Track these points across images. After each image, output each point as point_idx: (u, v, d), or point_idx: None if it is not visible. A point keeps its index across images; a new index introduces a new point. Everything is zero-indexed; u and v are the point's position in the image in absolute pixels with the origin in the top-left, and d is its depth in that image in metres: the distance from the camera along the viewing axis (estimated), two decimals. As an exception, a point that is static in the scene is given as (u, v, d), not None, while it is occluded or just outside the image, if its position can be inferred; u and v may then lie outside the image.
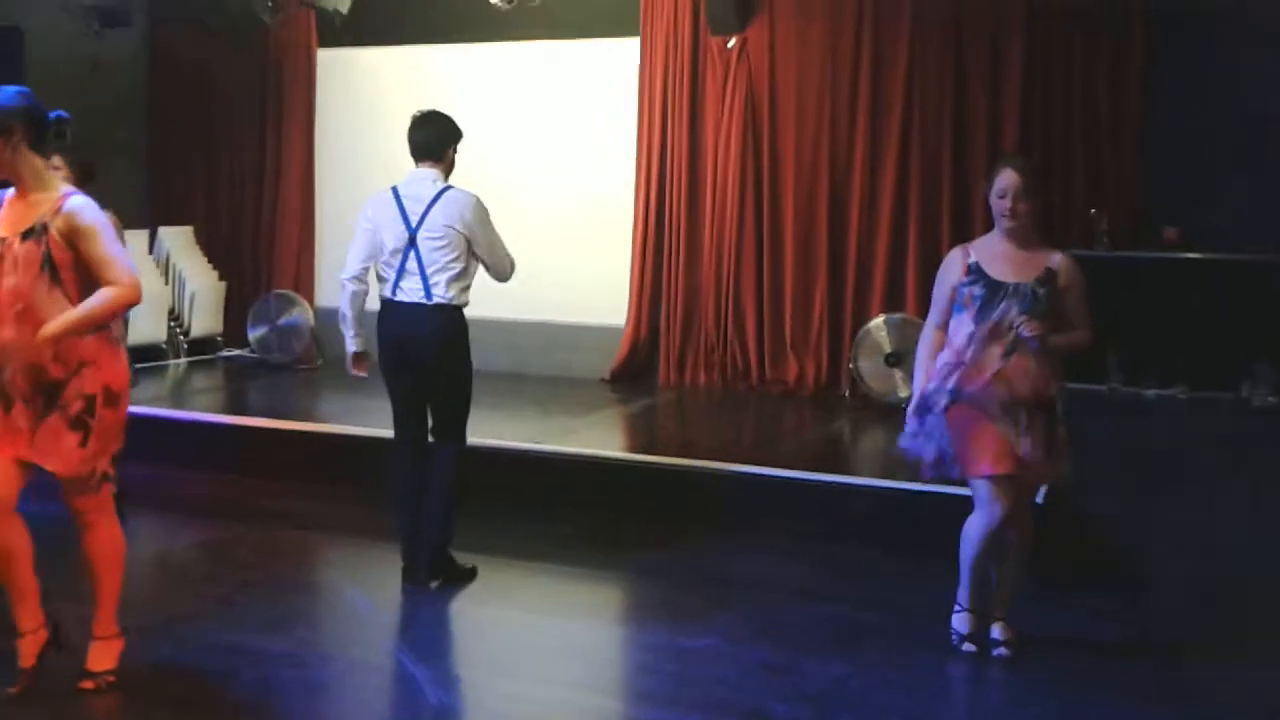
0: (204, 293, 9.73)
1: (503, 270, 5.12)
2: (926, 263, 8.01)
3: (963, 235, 7.92)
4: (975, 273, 4.10)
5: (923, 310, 7.76)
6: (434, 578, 4.86)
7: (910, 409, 4.23)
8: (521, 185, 9.09)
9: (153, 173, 10.42)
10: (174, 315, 9.58)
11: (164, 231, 9.76)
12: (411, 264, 4.84)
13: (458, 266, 4.89)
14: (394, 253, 4.86)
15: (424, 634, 4.52)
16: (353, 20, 9.07)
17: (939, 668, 4.18)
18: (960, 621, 4.24)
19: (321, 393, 8.66)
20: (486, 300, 8.95)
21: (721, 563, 5.31)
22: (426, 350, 4.83)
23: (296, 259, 10.00)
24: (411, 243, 4.86)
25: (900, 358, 7.61)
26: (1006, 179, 4.11)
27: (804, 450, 6.74)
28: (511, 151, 9.17)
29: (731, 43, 8.45)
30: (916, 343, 7.39)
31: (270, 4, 9.15)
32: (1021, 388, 4.00)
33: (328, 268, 10.01)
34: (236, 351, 9.79)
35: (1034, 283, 4.03)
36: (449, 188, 5.02)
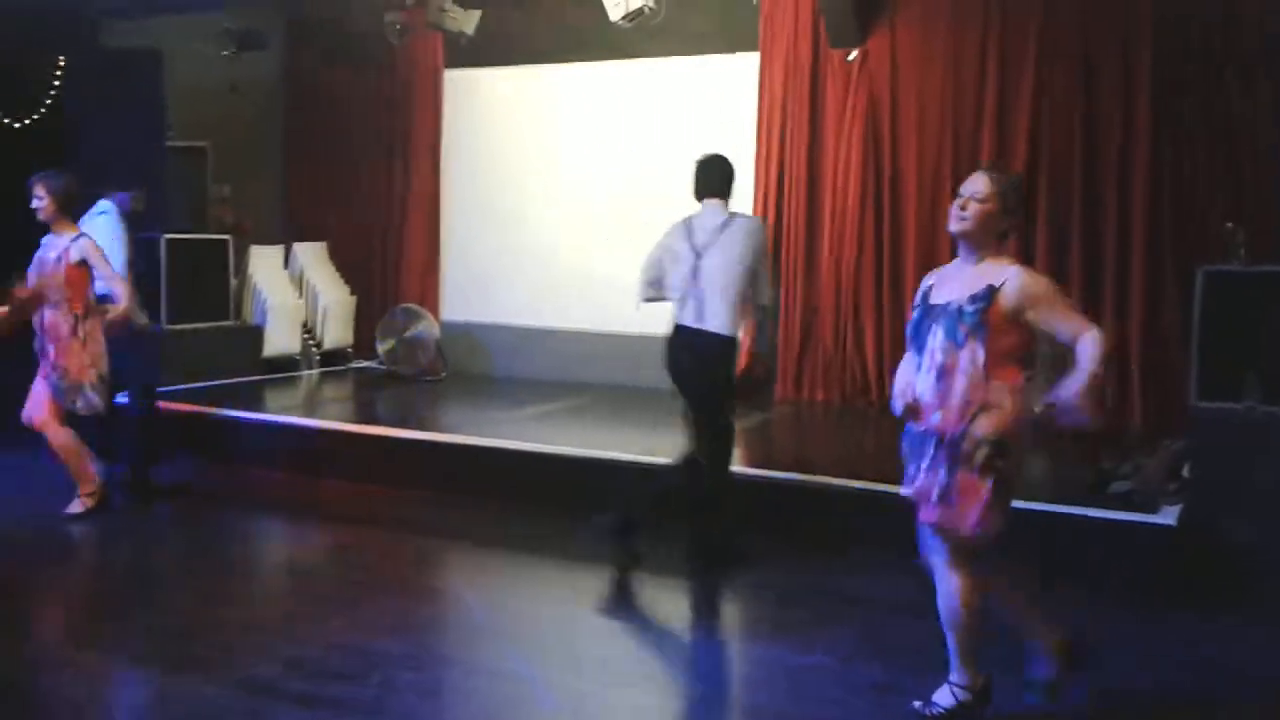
0: (336, 306, 10.06)
1: (763, 294, 5.35)
2: (1055, 276, 7.81)
3: (1093, 250, 7.75)
4: (922, 296, 3.67)
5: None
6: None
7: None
8: (641, 202, 9.18)
9: (288, 190, 10.83)
10: (308, 328, 9.92)
11: (299, 247, 10.13)
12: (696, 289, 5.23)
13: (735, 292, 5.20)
14: (683, 278, 5.26)
15: (538, 639, 4.59)
16: (478, 41, 9.30)
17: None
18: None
19: (445, 403, 8.86)
20: (611, 317, 9.20)
21: (833, 578, 5.26)
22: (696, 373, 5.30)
23: (423, 274, 10.27)
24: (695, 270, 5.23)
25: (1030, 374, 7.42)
26: (970, 180, 3.63)
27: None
28: (631, 168, 9.29)
29: (852, 55, 8.40)
30: (1041, 361, 7.39)
31: (399, 27, 9.45)
32: (944, 418, 3.48)
33: (452, 282, 10.26)
34: (365, 363, 10.09)
35: (966, 300, 3.49)
36: (736, 216, 5.36)
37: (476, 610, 4.98)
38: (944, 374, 3.49)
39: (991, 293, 3.47)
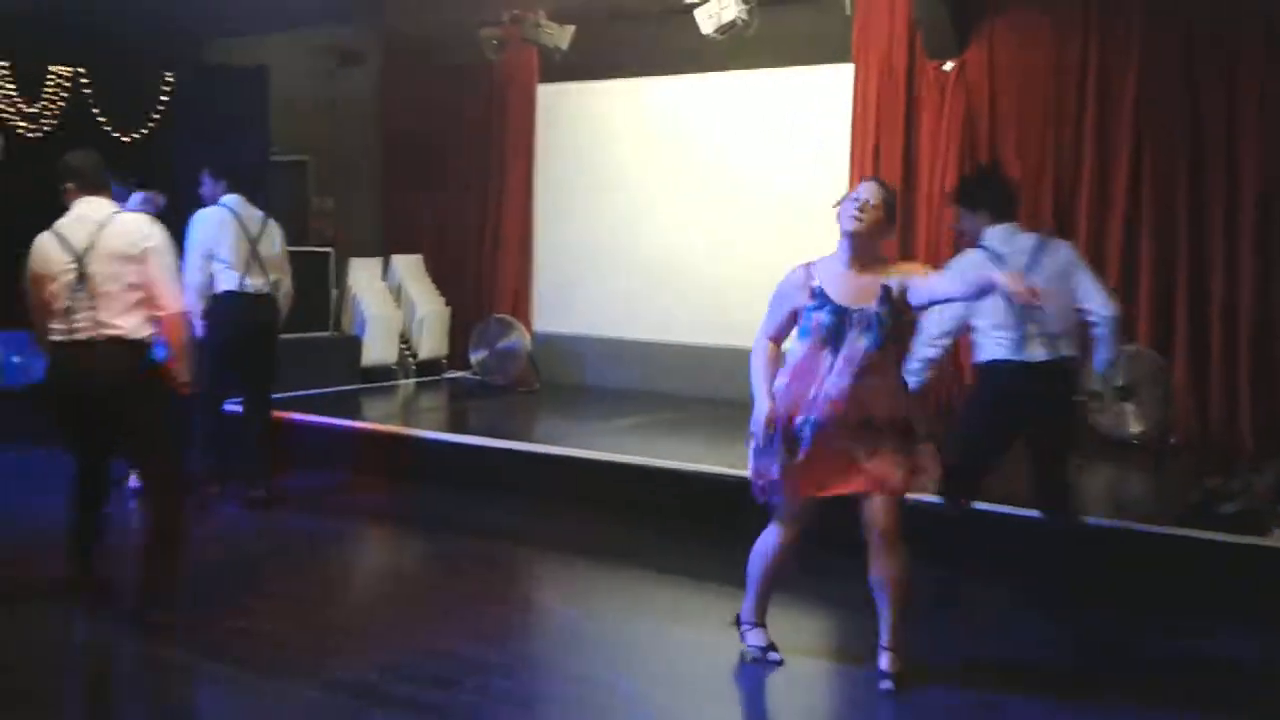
0: (431, 317, 10.22)
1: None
2: (1159, 293, 7.62)
3: (1198, 262, 7.53)
4: (820, 297, 3.99)
5: (1154, 342, 7.47)
6: None
7: (756, 432, 4.01)
8: (733, 215, 9.19)
9: (387, 203, 11.04)
10: (404, 338, 10.09)
11: (396, 259, 10.31)
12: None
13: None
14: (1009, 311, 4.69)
15: (631, 651, 4.59)
16: (572, 56, 9.39)
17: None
18: (756, 636, 4.32)
19: (537, 414, 8.94)
20: (703, 328, 9.19)
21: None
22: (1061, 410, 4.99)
23: (516, 286, 10.37)
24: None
25: (1131, 391, 7.24)
26: (864, 187, 4.05)
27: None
28: (723, 181, 9.29)
29: (949, 66, 8.29)
30: (1147, 376, 7.20)
31: (495, 42, 9.59)
32: (876, 408, 3.95)
33: (544, 294, 10.35)
34: (459, 373, 10.22)
35: (876, 306, 3.95)
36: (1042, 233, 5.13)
37: (570, 620, 5.00)
38: (866, 374, 3.93)
39: (888, 294, 3.96)
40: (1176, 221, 7.55)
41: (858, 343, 3.93)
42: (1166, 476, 6.82)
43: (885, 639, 4.07)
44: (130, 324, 4.46)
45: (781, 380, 4.05)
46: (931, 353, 4.90)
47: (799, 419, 3.97)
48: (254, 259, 6.56)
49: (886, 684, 4.03)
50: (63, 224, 4.53)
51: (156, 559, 4.55)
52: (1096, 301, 4.78)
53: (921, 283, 4.01)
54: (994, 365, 4.78)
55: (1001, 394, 4.80)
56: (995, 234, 4.86)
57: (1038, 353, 4.69)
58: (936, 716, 3.92)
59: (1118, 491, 6.70)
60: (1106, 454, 7.20)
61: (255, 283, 6.56)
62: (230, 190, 6.70)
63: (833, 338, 3.95)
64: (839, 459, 3.96)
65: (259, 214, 6.75)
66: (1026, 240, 4.87)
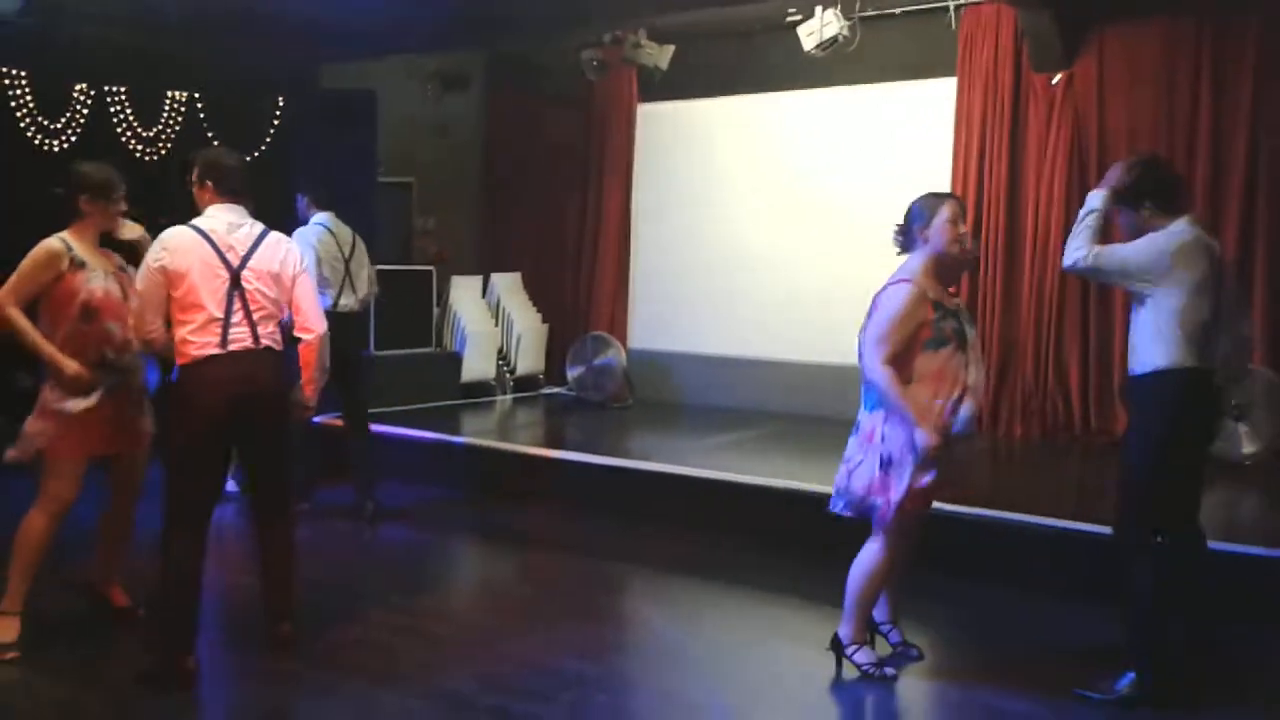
0: (529, 334, 10.33)
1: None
2: (1275, 308, 7.36)
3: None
4: (940, 308, 4.13)
5: (1270, 360, 7.20)
6: None
7: (919, 450, 4.03)
8: (835, 230, 9.12)
9: (487, 222, 11.21)
10: (502, 354, 10.22)
11: (495, 277, 10.46)
12: None
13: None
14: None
15: (726, 669, 4.56)
16: (672, 75, 9.44)
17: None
18: (865, 654, 4.33)
19: (631, 430, 8.96)
20: (800, 345, 9.13)
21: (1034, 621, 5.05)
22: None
23: (612, 303, 10.44)
24: None
25: (1245, 411, 6.99)
26: (956, 210, 4.21)
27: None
28: (825, 198, 9.23)
29: (1056, 79, 8.13)
30: (1262, 395, 6.94)
31: (596, 63, 9.69)
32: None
33: (640, 312, 10.40)
34: (556, 389, 10.31)
35: (961, 306, 4.28)
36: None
37: (668, 637, 4.99)
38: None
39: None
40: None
41: (974, 337, 4.23)
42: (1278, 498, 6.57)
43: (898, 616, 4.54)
44: (277, 340, 4.30)
45: (923, 394, 4.06)
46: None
47: (954, 429, 4.12)
48: (347, 276, 6.68)
49: (914, 650, 4.50)
50: (205, 225, 4.20)
51: (280, 577, 4.46)
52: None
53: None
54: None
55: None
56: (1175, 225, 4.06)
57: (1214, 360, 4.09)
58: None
59: (1230, 513, 6.47)
60: (1215, 473, 6.95)
61: (348, 301, 6.67)
62: (322, 208, 6.78)
63: (962, 340, 4.14)
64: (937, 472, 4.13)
65: (349, 231, 6.83)
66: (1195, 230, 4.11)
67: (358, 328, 6.81)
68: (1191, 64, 7.67)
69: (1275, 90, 7.36)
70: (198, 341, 4.09)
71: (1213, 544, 4.36)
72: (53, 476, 4.37)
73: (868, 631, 4.40)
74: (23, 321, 4.31)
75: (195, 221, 4.24)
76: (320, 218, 6.75)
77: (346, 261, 6.68)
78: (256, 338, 4.18)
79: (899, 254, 4.31)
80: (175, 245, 4.13)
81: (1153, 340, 3.98)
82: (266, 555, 4.44)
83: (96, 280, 4.41)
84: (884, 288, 4.18)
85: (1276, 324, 7.37)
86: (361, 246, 6.86)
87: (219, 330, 4.10)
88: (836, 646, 4.38)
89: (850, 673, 4.36)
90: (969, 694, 4.23)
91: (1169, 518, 4.07)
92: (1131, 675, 4.00)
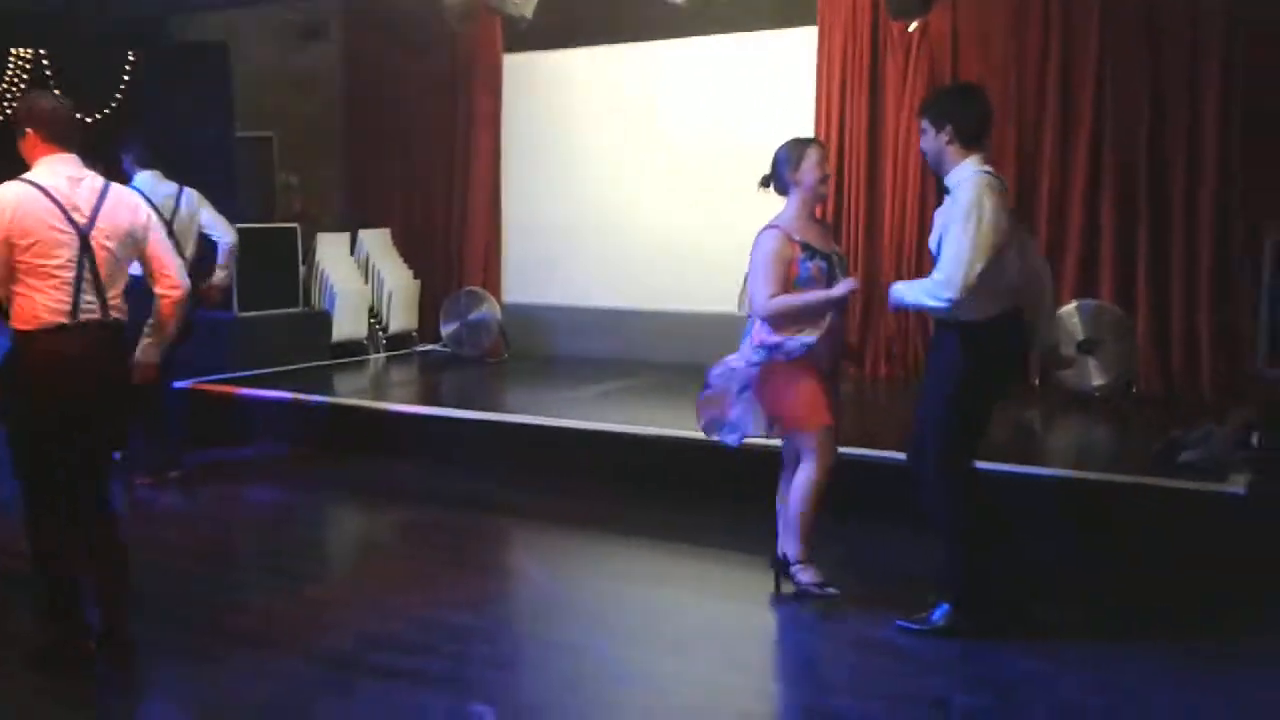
0: (400, 291, 10.21)
1: None
2: (1122, 248, 7.73)
3: (1161, 214, 7.63)
4: (807, 249, 4.44)
5: (1118, 297, 7.58)
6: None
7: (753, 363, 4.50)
8: (702, 180, 9.21)
9: (352, 178, 10.99)
10: (373, 313, 10.09)
11: (364, 234, 10.28)
12: None
13: None
14: None
15: (607, 615, 4.66)
16: (536, 25, 9.35)
17: (1123, 659, 4.07)
18: (810, 574, 4.53)
19: (508, 385, 8.97)
20: (674, 294, 9.24)
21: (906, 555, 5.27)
22: None
23: (484, 257, 10.37)
24: None
25: (1094, 345, 7.35)
26: (821, 154, 4.55)
27: (995, 438, 6.58)
28: (691, 146, 9.31)
29: (913, 27, 8.32)
30: (1110, 330, 7.32)
31: (459, 12, 9.52)
32: (838, 347, 4.60)
33: (513, 265, 10.36)
34: (430, 346, 10.23)
35: (836, 251, 4.60)
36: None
37: (546, 586, 5.07)
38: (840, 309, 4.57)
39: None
40: (1138, 176, 7.67)
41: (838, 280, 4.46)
42: (1128, 428, 6.95)
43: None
44: (123, 310, 3.96)
45: (789, 331, 4.42)
46: None
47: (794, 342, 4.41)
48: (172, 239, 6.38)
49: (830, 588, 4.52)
50: (44, 181, 3.81)
51: (112, 583, 4.02)
52: None
53: None
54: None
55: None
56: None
57: None
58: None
59: (1080, 443, 6.84)
60: (1068, 406, 7.34)
61: None
62: (144, 166, 6.47)
63: (830, 280, 4.44)
64: (830, 392, 4.54)
65: (172, 188, 6.49)
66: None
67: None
68: (1040, 12, 7.93)
69: (1120, 38, 7.67)
70: (46, 307, 3.76)
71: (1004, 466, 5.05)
72: None
73: (810, 550, 4.55)
74: None
75: (28, 175, 3.84)
76: (141, 178, 6.41)
77: (168, 224, 6.07)
78: (105, 308, 3.87)
79: (765, 194, 4.64)
80: (14, 203, 3.74)
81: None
82: (96, 561, 3.98)
83: None
84: (757, 235, 4.49)
85: (1121, 263, 7.75)
86: (191, 206, 6.57)
87: (68, 299, 3.78)
88: (780, 564, 4.59)
89: (787, 590, 4.59)
90: (838, 626, 4.41)
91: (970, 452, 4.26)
92: (946, 606, 4.21)
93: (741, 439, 4.65)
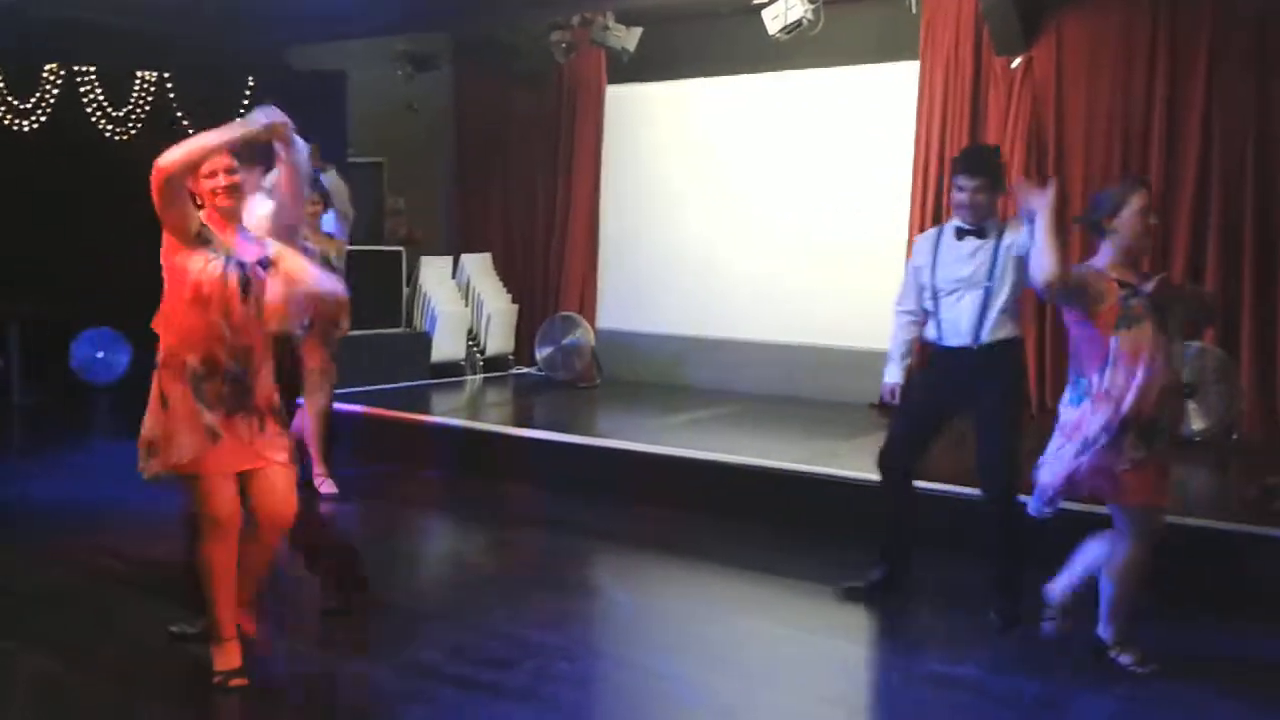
0: (499, 315, 10.43)
1: None
2: (1227, 290, 7.55)
3: (1267, 258, 7.45)
4: (1127, 286, 4.10)
5: (1220, 339, 7.40)
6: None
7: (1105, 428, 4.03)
8: (799, 211, 9.26)
9: (457, 203, 11.28)
10: (472, 335, 10.32)
11: (466, 258, 10.53)
12: None
13: None
14: None
15: (689, 640, 4.70)
16: (640, 57, 9.52)
17: (1209, 701, 3.98)
18: (1131, 656, 4.23)
19: (599, 410, 9.09)
20: (765, 325, 9.28)
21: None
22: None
23: (581, 283, 10.54)
24: None
25: (1195, 389, 7.18)
26: (1146, 201, 4.16)
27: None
28: (789, 179, 9.36)
29: (1016, 63, 8.27)
30: (1212, 373, 7.14)
31: (564, 45, 9.76)
32: None
33: (609, 291, 10.51)
34: (525, 369, 10.42)
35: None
36: None
37: (630, 608, 5.13)
38: None
39: None
40: (1244, 218, 7.49)
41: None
42: (1227, 474, 6.77)
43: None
44: None
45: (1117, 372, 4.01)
46: None
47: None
48: None
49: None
50: None
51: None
52: None
53: None
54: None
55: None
56: None
57: None
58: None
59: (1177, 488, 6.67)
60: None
61: None
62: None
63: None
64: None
65: None
66: None
67: None
68: (1147, 48, 7.81)
69: (1231, 73, 7.53)
70: None
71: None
72: None
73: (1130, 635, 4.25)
74: None
75: None
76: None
77: None
78: None
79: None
80: None
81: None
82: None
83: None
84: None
85: (1226, 305, 7.56)
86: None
87: None
88: (1099, 648, 4.26)
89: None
90: (913, 660, 4.38)
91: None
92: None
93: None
